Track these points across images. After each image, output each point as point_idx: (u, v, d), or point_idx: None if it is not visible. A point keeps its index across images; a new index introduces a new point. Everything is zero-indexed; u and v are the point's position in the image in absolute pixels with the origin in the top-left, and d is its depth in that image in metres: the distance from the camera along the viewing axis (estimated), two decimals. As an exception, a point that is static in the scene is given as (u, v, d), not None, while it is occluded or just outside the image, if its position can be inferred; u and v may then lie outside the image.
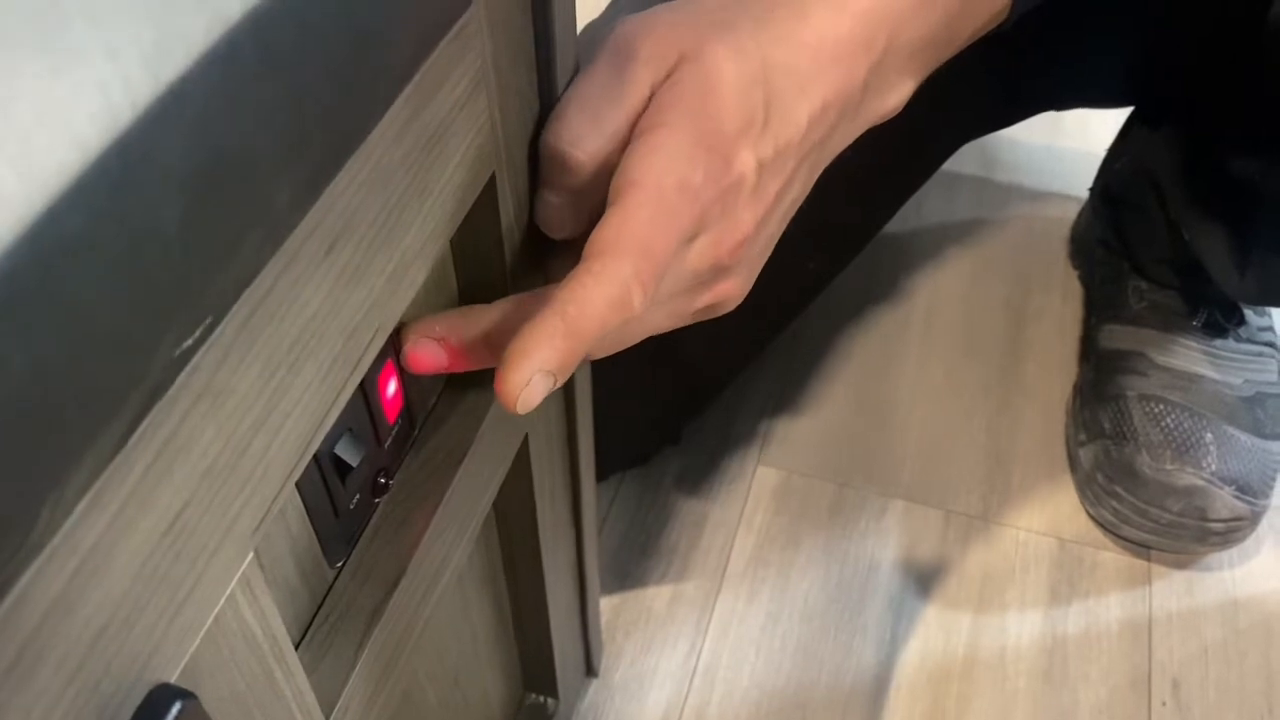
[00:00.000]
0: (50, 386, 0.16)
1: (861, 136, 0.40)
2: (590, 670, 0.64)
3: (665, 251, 0.32)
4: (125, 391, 0.18)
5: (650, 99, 0.34)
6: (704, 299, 0.36)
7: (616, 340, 0.35)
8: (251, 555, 0.23)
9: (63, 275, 0.15)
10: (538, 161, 0.34)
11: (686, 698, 0.65)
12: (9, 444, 0.15)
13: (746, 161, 0.34)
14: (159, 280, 0.17)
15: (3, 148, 0.14)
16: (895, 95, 0.39)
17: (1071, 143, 1.00)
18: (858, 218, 0.72)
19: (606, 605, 0.68)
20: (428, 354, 0.33)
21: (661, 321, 0.36)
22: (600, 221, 0.32)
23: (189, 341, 0.19)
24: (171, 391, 0.19)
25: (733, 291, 0.37)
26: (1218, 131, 0.67)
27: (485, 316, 0.33)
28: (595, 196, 0.33)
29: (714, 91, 0.33)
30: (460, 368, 0.33)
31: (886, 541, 0.72)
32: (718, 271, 0.35)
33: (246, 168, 0.19)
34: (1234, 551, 0.71)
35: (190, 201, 0.17)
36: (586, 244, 0.31)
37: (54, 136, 0.15)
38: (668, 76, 0.34)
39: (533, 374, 0.29)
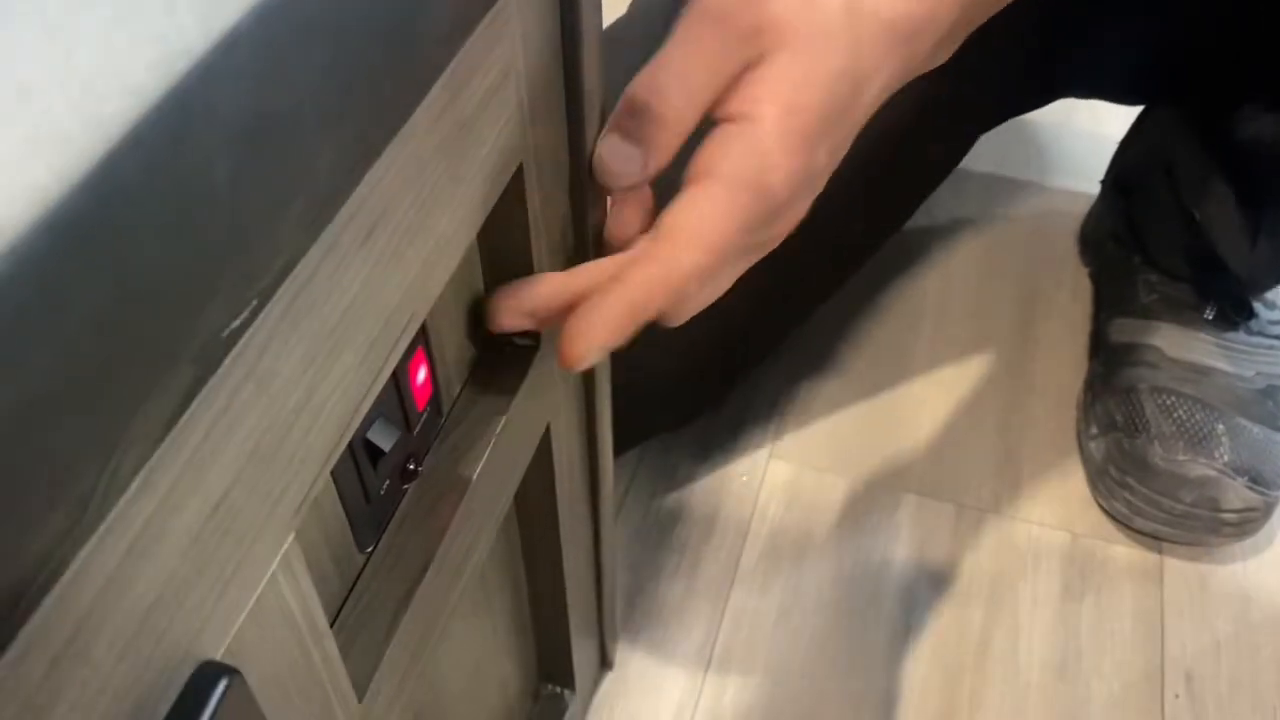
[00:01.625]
0: (108, 346, 0.16)
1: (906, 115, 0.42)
2: (605, 662, 0.64)
3: (729, 247, 0.33)
4: (178, 364, 0.18)
5: (741, 73, 0.34)
6: (744, 267, 0.37)
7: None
8: (293, 536, 0.23)
9: (121, 225, 0.16)
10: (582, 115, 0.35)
11: (701, 690, 0.65)
12: (66, 413, 0.16)
13: (822, 159, 0.35)
14: (211, 238, 0.18)
15: (67, 92, 0.14)
16: (946, 54, 0.40)
17: (1082, 138, 1.00)
18: (903, 186, 0.73)
19: (621, 598, 0.69)
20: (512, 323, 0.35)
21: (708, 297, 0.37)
22: (674, 203, 0.33)
23: (236, 323, 0.20)
24: (220, 372, 0.20)
25: (770, 250, 0.38)
26: (1231, 100, 0.68)
27: (567, 288, 0.34)
28: (663, 151, 0.34)
29: (806, 89, 0.34)
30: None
31: (898, 536, 0.73)
32: (765, 246, 0.37)
33: (293, 128, 0.19)
34: (1246, 544, 0.71)
35: (239, 158, 0.18)
36: (658, 222, 0.33)
37: (113, 84, 0.15)
38: (762, 56, 0.34)
39: (595, 352, 0.32)
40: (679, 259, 0.33)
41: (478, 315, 0.37)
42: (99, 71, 0.14)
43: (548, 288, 0.34)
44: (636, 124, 0.34)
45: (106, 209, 0.15)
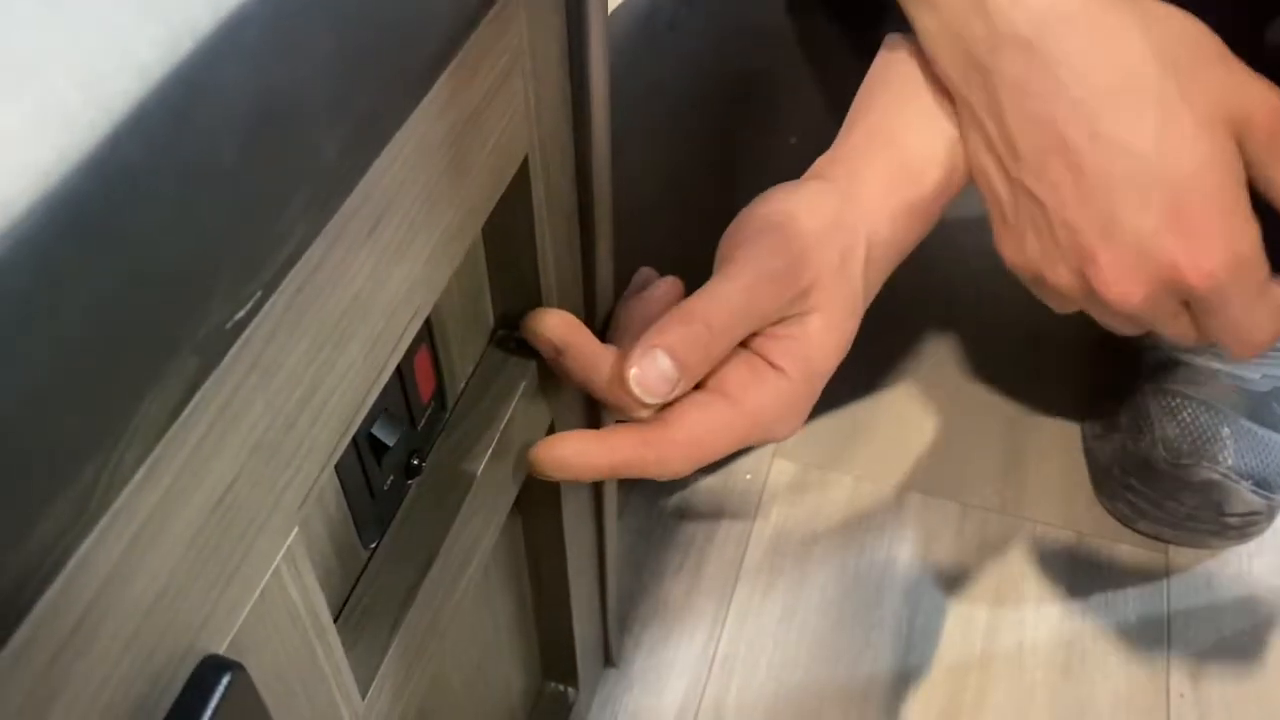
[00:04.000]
0: (108, 338, 0.16)
1: None
2: (608, 660, 0.64)
3: (718, 457, 0.38)
4: (181, 354, 0.18)
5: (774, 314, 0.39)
6: None
7: None
8: (296, 530, 0.23)
9: (123, 207, 0.15)
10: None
11: (704, 688, 0.65)
12: (68, 403, 0.16)
13: (821, 387, 0.41)
14: (215, 223, 0.17)
15: (70, 69, 0.14)
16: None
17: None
18: None
19: (625, 596, 0.69)
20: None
21: None
22: (686, 403, 0.37)
23: (241, 314, 0.20)
24: (224, 364, 0.19)
25: None
26: None
27: (586, 353, 0.38)
28: (696, 377, 0.38)
29: (831, 355, 0.40)
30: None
31: (903, 535, 0.72)
32: None
33: (298, 112, 0.19)
34: (1251, 544, 0.71)
35: (245, 140, 0.17)
36: (666, 413, 0.37)
37: (118, 61, 0.15)
38: (802, 314, 0.39)
39: (564, 478, 0.38)
40: (671, 458, 0.37)
41: (481, 310, 0.37)
42: (103, 49, 0.14)
43: (577, 340, 0.37)
44: (686, 349, 0.37)
45: (109, 190, 0.15)
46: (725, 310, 0.37)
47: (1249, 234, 0.38)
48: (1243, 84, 0.39)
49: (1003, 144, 0.43)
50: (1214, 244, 0.38)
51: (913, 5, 0.44)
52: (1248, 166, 0.39)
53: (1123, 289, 0.40)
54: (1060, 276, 0.42)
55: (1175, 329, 0.41)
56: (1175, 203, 0.38)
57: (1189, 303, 0.40)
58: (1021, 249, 0.44)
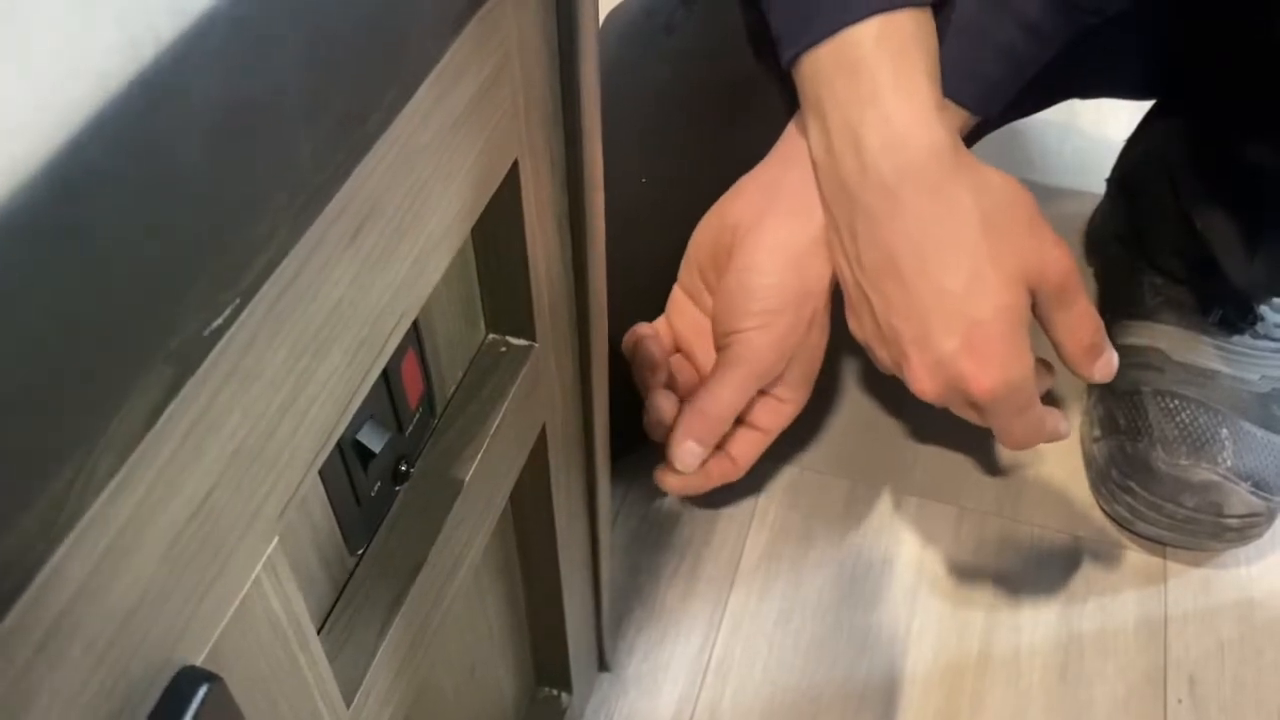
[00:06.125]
0: (78, 345, 0.16)
1: None
2: (603, 665, 0.64)
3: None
4: (155, 363, 0.18)
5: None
6: None
7: None
8: (277, 540, 0.23)
9: (86, 217, 0.15)
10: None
11: (699, 693, 0.64)
12: (38, 412, 0.15)
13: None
14: (185, 231, 0.17)
15: (22, 76, 0.13)
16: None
17: (1086, 138, 1.00)
18: None
19: (619, 600, 0.68)
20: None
21: None
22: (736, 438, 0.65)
23: (218, 322, 0.19)
24: (200, 371, 0.19)
25: None
26: (1232, 117, 0.67)
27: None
28: (712, 444, 0.62)
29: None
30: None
31: (900, 538, 0.72)
32: None
33: (271, 117, 0.18)
34: (1250, 548, 0.71)
35: (214, 147, 0.17)
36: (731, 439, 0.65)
37: (74, 67, 0.14)
38: (773, 385, 0.62)
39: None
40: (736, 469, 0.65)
41: (471, 314, 0.36)
42: (58, 54, 0.14)
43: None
44: (703, 435, 0.60)
45: (69, 199, 0.14)
46: (727, 406, 0.60)
47: (1023, 366, 0.51)
48: (1042, 246, 0.52)
49: (853, 252, 0.54)
50: (994, 370, 0.51)
51: (810, 116, 0.54)
52: (1038, 309, 0.53)
53: (923, 385, 0.54)
54: (883, 356, 0.56)
55: (965, 415, 0.56)
56: (971, 335, 0.50)
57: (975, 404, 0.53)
58: (860, 326, 0.57)
